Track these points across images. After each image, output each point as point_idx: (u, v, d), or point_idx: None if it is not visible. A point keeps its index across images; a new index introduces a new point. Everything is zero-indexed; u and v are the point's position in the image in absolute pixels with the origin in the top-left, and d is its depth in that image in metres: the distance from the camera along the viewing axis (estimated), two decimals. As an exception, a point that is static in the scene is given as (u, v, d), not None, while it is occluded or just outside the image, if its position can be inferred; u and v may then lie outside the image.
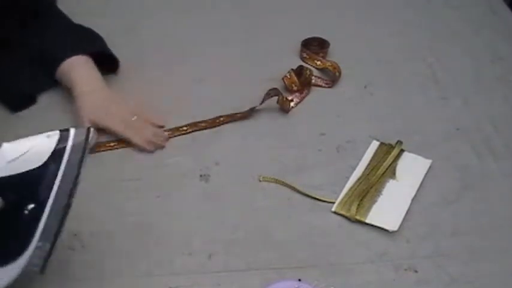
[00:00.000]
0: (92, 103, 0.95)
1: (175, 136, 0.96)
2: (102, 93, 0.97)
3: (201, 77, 1.08)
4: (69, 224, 0.83)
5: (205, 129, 0.98)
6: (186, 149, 0.95)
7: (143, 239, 0.82)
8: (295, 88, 1.04)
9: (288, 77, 1.04)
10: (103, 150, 0.93)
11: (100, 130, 0.92)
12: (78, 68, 0.97)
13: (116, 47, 1.08)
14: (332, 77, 1.08)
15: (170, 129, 0.97)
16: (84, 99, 0.95)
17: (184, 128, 0.97)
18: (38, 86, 1.02)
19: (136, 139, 0.93)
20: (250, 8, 1.26)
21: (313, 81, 1.07)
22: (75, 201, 0.86)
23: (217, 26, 1.20)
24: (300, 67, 1.06)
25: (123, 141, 0.94)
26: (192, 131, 0.97)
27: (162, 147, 0.94)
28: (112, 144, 0.94)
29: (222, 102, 1.03)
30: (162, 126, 0.97)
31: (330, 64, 1.09)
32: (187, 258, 0.80)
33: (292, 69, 1.05)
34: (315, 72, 1.09)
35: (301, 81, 1.04)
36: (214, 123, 0.98)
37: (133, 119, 0.95)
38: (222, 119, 0.99)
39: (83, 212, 0.85)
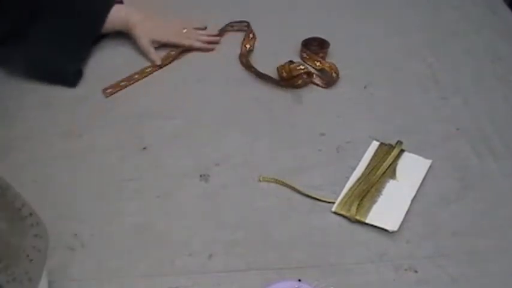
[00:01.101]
0: (149, 27, 1.11)
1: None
2: (152, 18, 1.13)
3: (202, 77, 1.08)
4: (69, 224, 0.83)
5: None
6: (186, 149, 0.95)
7: (143, 239, 0.82)
8: (284, 74, 1.05)
9: (283, 64, 1.05)
10: (171, 61, 1.11)
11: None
12: (122, 10, 1.11)
13: (116, 45, 1.08)
14: (329, 77, 1.08)
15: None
16: (140, 27, 1.11)
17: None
18: (81, 55, 1.09)
19: (196, 44, 1.13)
20: (250, 8, 1.26)
21: (311, 79, 1.07)
22: (76, 202, 0.87)
23: (218, 26, 1.20)
24: (299, 62, 1.06)
25: (184, 50, 1.13)
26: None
27: (217, 42, 1.16)
28: (174, 53, 1.12)
29: (222, 102, 1.04)
30: (205, 28, 1.18)
31: (328, 65, 1.09)
32: (187, 258, 0.80)
33: (291, 61, 1.05)
34: (315, 72, 1.09)
35: (291, 67, 1.04)
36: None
37: (184, 31, 1.14)
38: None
39: (83, 212, 0.86)
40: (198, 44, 1.13)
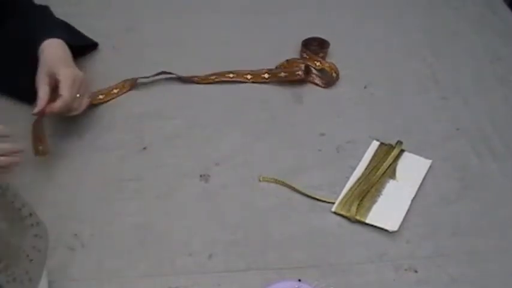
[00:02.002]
0: (54, 55, 0.94)
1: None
2: (66, 58, 0.95)
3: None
4: (69, 224, 0.83)
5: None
6: (186, 149, 0.95)
7: (143, 239, 0.82)
8: (282, 74, 1.06)
9: (281, 63, 1.07)
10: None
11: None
12: (51, 47, 0.96)
13: (115, 47, 1.08)
14: (329, 77, 1.08)
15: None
16: (47, 53, 0.94)
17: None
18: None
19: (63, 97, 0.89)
20: (250, 8, 1.26)
21: (311, 78, 1.08)
22: (76, 202, 0.87)
23: (218, 26, 1.20)
24: (296, 58, 1.08)
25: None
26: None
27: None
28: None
29: (222, 102, 1.04)
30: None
31: (328, 65, 1.09)
32: (188, 258, 0.80)
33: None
34: (315, 72, 1.09)
35: (289, 62, 1.06)
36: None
37: (77, 95, 0.92)
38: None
39: (83, 212, 0.86)
40: (68, 106, 0.91)
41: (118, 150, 0.94)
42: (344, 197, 0.87)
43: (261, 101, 1.04)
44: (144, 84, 1.06)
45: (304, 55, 1.12)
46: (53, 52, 0.96)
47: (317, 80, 1.08)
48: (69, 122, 0.98)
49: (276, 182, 0.90)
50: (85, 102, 0.95)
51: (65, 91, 0.90)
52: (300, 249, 0.82)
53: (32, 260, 0.66)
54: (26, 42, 0.97)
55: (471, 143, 0.97)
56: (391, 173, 0.91)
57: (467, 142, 0.98)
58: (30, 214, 0.67)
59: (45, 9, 1.08)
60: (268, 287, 0.75)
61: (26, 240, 0.66)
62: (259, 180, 0.91)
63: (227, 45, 1.15)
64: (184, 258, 0.80)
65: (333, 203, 0.87)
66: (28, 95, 0.95)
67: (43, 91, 0.90)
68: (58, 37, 0.98)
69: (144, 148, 0.95)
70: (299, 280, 0.76)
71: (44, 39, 0.96)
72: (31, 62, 0.95)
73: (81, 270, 0.78)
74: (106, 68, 1.09)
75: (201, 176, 0.91)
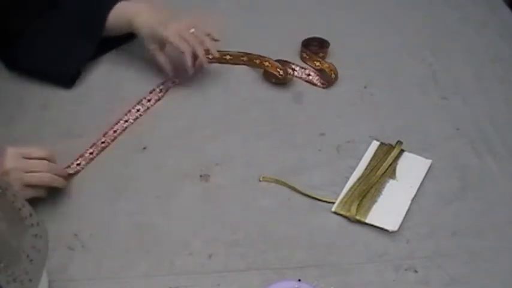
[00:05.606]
0: (151, 18, 1.00)
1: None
2: (158, 10, 1.01)
3: (202, 76, 1.08)
4: (69, 224, 0.83)
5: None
6: (186, 149, 0.95)
7: (143, 239, 0.82)
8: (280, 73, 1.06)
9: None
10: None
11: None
12: (128, 7, 1.02)
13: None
14: (328, 78, 1.08)
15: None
16: (142, 17, 1.00)
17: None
18: (83, 56, 1.04)
19: (194, 50, 0.99)
20: (250, 8, 1.26)
21: (309, 78, 1.08)
22: (76, 202, 0.87)
23: (218, 26, 1.20)
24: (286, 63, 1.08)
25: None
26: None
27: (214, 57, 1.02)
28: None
29: (222, 102, 1.04)
30: (217, 40, 1.04)
31: (327, 66, 1.09)
32: (187, 258, 0.80)
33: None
34: (314, 71, 1.09)
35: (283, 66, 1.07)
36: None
37: (191, 30, 1.00)
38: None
39: (83, 212, 0.86)
40: (198, 51, 0.99)
41: (118, 150, 0.94)
42: (344, 197, 0.87)
43: (261, 101, 1.04)
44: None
45: (304, 55, 1.12)
46: (135, 17, 1.00)
47: (316, 80, 1.08)
48: (69, 122, 0.98)
49: (276, 182, 0.90)
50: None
51: (183, 47, 0.98)
52: (300, 249, 0.82)
53: (32, 260, 0.65)
54: (92, 14, 1.02)
55: (471, 143, 0.97)
56: (391, 173, 0.91)
57: (467, 142, 0.98)
58: (30, 214, 0.67)
59: None
60: (268, 287, 0.75)
61: (26, 240, 0.65)
62: (259, 180, 0.91)
63: (227, 45, 1.15)
64: (184, 258, 0.80)
65: (333, 203, 0.87)
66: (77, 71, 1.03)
67: (163, 61, 1.01)
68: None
69: (144, 148, 0.95)
70: (299, 280, 0.76)
71: (109, 10, 1.00)
72: (92, 36, 1.02)
73: (81, 270, 0.78)
74: (105, 67, 1.09)
75: (201, 176, 0.91)
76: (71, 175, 0.88)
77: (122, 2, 1.02)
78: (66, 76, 1.03)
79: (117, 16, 1.01)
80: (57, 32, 1.03)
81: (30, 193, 0.80)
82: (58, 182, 0.84)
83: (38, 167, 0.81)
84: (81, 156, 0.92)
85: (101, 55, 1.09)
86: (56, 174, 0.83)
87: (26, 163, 0.80)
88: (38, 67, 1.03)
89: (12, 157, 0.79)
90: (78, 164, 0.91)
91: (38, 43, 1.02)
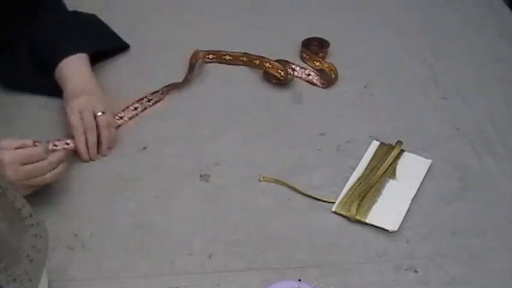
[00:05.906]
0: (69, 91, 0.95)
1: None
2: (89, 92, 0.96)
3: (202, 77, 1.08)
4: (69, 224, 0.83)
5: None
6: (186, 149, 0.95)
7: (143, 239, 0.82)
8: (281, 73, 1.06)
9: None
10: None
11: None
12: (70, 68, 0.97)
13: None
14: (328, 78, 1.08)
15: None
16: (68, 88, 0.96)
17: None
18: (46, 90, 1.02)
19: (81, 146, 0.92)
20: (250, 8, 1.26)
21: (309, 78, 1.08)
22: (76, 202, 0.87)
23: (218, 26, 1.20)
24: (287, 63, 1.08)
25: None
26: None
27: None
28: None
29: (222, 102, 1.04)
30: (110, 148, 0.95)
31: (327, 66, 1.09)
32: (187, 258, 0.80)
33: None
34: (314, 71, 1.09)
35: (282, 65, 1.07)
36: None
37: (98, 114, 0.93)
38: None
39: (83, 212, 0.86)
40: (90, 141, 0.92)
41: (118, 150, 0.94)
42: (344, 197, 0.87)
43: (261, 101, 1.04)
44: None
45: (304, 55, 1.12)
46: (69, 82, 0.96)
47: (316, 80, 1.08)
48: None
49: (276, 182, 0.90)
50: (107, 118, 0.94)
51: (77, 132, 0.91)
52: (300, 249, 0.82)
53: (32, 260, 0.65)
54: (47, 55, 0.99)
55: (471, 143, 0.97)
56: (391, 173, 0.91)
57: (467, 142, 0.98)
58: (30, 214, 0.67)
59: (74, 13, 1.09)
60: (268, 287, 0.75)
61: (26, 240, 0.65)
62: (259, 180, 0.91)
63: (227, 45, 1.15)
64: (184, 258, 0.80)
65: (333, 203, 0.87)
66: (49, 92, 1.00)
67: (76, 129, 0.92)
68: (80, 50, 0.99)
69: (144, 148, 0.95)
70: (299, 280, 0.76)
71: (63, 58, 0.97)
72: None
73: (81, 270, 0.78)
74: (106, 67, 1.09)
75: (201, 176, 0.91)
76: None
77: (71, 59, 0.98)
78: (48, 87, 1.01)
79: (60, 71, 0.98)
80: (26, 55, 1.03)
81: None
82: (60, 171, 0.84)
83: (35, 157, 0.81)
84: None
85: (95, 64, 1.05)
86: (54, 162, 0.83)
87: (22, 153, 0.80)
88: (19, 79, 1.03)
89: (7, 149, 0.79)
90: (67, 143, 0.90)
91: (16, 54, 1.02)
